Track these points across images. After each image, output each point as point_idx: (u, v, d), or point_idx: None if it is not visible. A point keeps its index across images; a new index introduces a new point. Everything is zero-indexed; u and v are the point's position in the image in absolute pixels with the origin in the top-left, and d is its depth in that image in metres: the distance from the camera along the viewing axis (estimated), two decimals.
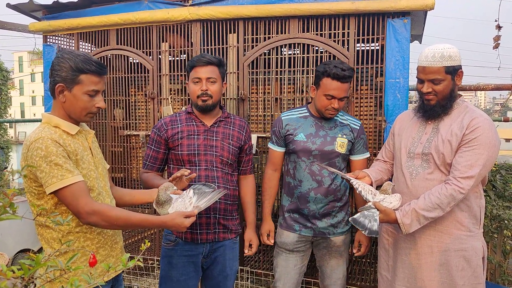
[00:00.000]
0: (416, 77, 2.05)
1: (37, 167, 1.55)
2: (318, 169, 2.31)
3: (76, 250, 1.63)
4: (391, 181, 2.24)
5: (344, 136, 2.33)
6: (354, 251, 2.40)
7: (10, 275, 0.59)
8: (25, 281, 0.60)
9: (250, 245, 2.40)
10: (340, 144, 2.31)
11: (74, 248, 1.64)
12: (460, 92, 2.12)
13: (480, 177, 1.91)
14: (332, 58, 2.85)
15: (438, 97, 1.98)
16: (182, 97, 3.35)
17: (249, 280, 3.18)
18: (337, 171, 2.22)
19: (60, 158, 1.56)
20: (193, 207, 1.83)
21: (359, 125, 2.40)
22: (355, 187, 2.08)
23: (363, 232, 1.95)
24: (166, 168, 2.37)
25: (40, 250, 3.87)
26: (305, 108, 2.43)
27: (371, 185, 2.14)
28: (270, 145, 2.49)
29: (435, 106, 2.00)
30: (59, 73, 1.65)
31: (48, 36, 3.51)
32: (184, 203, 1.84)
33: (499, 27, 3.81)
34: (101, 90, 1.73)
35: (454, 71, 1.96)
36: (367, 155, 2.43)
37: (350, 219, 2.01)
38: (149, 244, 1.15)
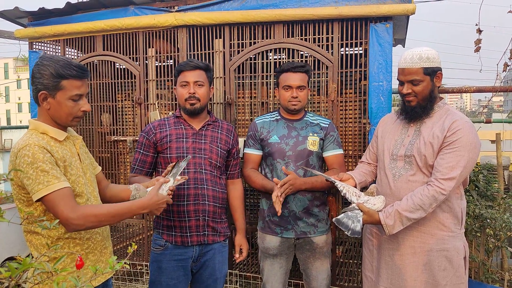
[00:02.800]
0: (397, 79, 2.11)
1: (24, 174, 1.53)
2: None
3: (64, 253, 1.63)
4: (375, 183, 2.28)
5: (315, 135, 2.41)
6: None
7: None
8: (13, 281, 0.61)
9: (241, 250, 2.42)
10: (312, 143, 2.38)
11: (63, 252, 1.64)
12: (445, 94, 2.18)
13: (461, 178, 1.95)
14: (317, 63, 2.90)
15: (418, 98, 2.04)
16: (169, 102, 3.36)
17: (238, 284, 3.20)
18: (321, 173, 2.26)
19: (46, 164, 1.55)
20: (170, 187, 1.95)
21: (328, 123, 2.48)
22: (339, 189, 2.12)
23: (346, 232, 1.98)
24: (154, 173, 2.38)
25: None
26: (276, 112, 2.52)
27: (355, 187, 2.18)
28: (247, 150, 2.51)
29: (415, 107, 2.05)
30: (40, 81, 1.63)
31: (34, 43, 3.50)
32: (162, 191, 1.92)
33: (479, 31, 3.90)
34: (85, 93, 1.71)
35: (433, 73, 2.01)
36: (339, 151, 2.47)
37: (333, 219, 2.05)
38: (135, 246, 1.17)
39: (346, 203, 3.02)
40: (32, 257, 1.68)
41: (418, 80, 2.00)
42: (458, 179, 1.93)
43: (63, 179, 1.58)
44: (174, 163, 2.05)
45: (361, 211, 2.01)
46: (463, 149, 1.91)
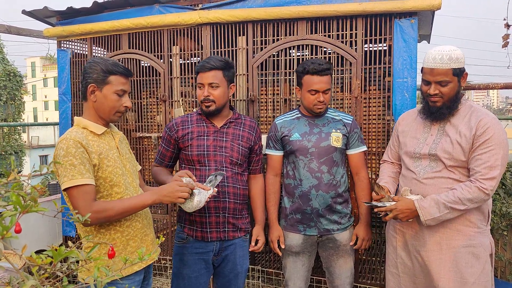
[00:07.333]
0: (422, 78, 2.07)
1: (59, 165, 1.68)
2: (317, 166, 2.34)
3: (97, 242, 1.74)
4: None
5: (338, 131, 2.38)
6: (351, 243, 2.42)
7: (40, 262, 0.64)
8: (53, 267, 0.65)
9: (257, 241, 2.41)
10: (336, 139, 2.36)
11: (97, 241, 1.76)
12: (471, 92, 2.16)
13: (500, 177, 1.93)
14: (340, 59, 2.89)
15: (444, 99, 2.01)
16: (193, 99, 3.41)
17: (260, 279, 3.22)
18: (366, 202, 2.25)
19: (76, 159, 1.68)
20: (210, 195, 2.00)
21: (351, 119, 2.44)
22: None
23: (375, 209, 2.07)
24: (179, 168, 2.42)
25: None
26: (296, 110, 2.50)
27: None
28: (268, 151, 2.52)
29: (441, 108, 2.03)
30: (90, 75, 1.81)
31: (62, 41, 3.60)
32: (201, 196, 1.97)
33: (507, 26, 3.80)
34: (128, 91, 1.89)
35: (460, 73, 2.00)
36: (363, 148, 2.46)
37: (363, 201, 2.14)
38: (163, 239, 1.20)
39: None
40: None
41: (446, 81, 1.98)
42: (498, 178, 1.92)
43: (87, 176, 1.69)
44: (212, 174, 2.11)
45: (393, 200, 2.07)
46: (497, 147, 1.91)
